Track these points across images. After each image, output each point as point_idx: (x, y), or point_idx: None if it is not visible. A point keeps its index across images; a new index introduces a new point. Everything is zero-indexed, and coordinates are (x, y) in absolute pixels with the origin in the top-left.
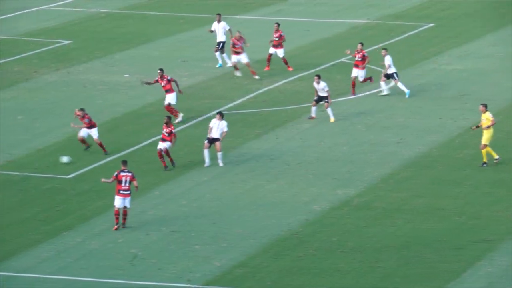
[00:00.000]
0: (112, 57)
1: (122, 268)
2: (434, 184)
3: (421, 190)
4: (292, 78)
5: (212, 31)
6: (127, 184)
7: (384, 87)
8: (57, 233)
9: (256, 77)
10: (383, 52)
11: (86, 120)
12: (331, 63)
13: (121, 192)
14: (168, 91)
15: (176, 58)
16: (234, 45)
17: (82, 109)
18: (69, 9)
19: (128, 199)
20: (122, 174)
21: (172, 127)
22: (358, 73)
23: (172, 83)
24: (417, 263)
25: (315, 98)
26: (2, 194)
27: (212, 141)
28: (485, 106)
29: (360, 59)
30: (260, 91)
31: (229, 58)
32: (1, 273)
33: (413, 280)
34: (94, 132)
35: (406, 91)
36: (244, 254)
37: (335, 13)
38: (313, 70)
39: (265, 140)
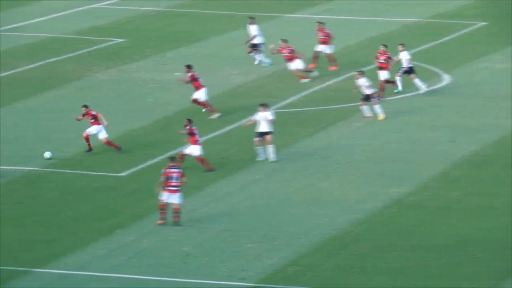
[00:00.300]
0: (163, 55)
1: (174, 266)
2: (486, 183)
3: (473, 189)
4: (343, 76)
5: (253, 38)
6: (177, 181)
7: (420, 84)
8: (110, 232)
9: (305, 80)
10: (400, 47)
11: (90, 118)
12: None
13: (170, 188)
14: None
15: (227, 57)
16: (281, 53)
17: (85, 106)
18: (121, 7)
19: (176, 195)
20: (171, 170)
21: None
22: (384, 76)
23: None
24: (468, 262)
25: (361, 97)
26: (55, 193)
27: (261, 135)
28: None
29: (383, 61)
30: (312, 89)
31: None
32: (55, 271)
33: (465, 279)
34: (103, 133)
35: (423, 87)
36: (296, 253)
37: (385, 12)
38: (363, 69)
39: (316, 138)
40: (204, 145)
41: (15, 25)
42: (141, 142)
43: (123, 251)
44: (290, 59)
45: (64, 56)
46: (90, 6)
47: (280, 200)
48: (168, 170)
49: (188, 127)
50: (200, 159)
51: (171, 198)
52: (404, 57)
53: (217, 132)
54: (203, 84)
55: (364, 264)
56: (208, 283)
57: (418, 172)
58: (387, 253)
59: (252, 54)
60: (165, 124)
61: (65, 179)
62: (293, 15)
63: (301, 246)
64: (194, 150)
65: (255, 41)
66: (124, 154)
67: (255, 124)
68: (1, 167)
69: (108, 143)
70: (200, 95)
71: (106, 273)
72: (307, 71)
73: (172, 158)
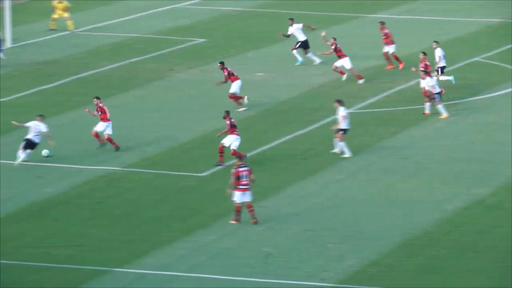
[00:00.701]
0: (245, 55)
1: (254, 266)
2: None
3: None
4: None
5: (288, 36)
6: (246, 179)
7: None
8: (191, 231)
9: (360, 81)
10: (434, 44)
11: (99, 112)
12: (465, 62)
13: (241, 187)
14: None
15: (307, 57)
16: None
17: (97, 97)
18: (203, 7)
19: (247, 193)
20: (240, 169)
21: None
22: (425, 83)
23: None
24: None
25: (430, 97)
26: (137, 192)
27: (344, 131)
28: None
29: (423, 69)
30: (393, 90)
31: (317, 57)
32: (135, 271)
33: None
34: (109, 129)
35: (451, 78)
36: (376, 253)
37: (468, 12)
38: (446, 70)
39: (398, 139)
40: (285, 144)
41: (99, 24)
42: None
43: (203, 251)
44: (340, 56)
45: (146, 56)
46: (173, 6)
47: (361, 200)
48: (237, 169)
49: (228, 120)
50: (236, 153)
51: (243, 197)
52: (438, 54)
53: (298, 132)
54: (238, 77)
55: (444, 264)
56: (287, 284)
57: (500, 172)
58: (468, 254)
59: (309, 55)
60: (247, 124)
61: (146, 179)
62: (375, 16)
63: (382, 246)
64: (231, 140)
65: (300, 39)
66: (205, 154)
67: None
68: (83, 166)
69: (110, 139)
70: (236, 88)
71: (187, 272)
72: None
73: (240, 157)
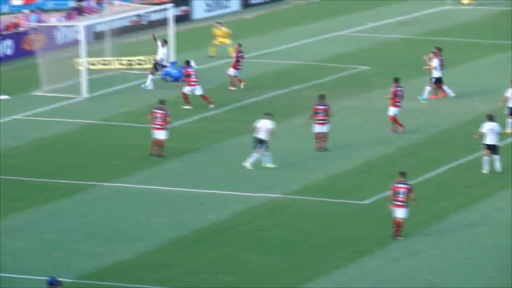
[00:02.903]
0: (410, 83)
1: None
2: None
3: None
4: None
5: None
6: (403, 196)
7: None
8: (354, 259)
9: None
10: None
11: (158, 118)
12: None
13: (396, 203)
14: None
15: (473, 85)
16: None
17: (161, 101)
18: (366, 35)
19: (403, 210)
20: (398, 185)
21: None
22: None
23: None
24: None
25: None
26: (299, 220)
27: (489, 147)
28: None
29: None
30: None
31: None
32: None
33: None
34: (163, 134)
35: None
36: None
37: None
38: None
39: None
40: (449, 172)
41: (264, 51)
42: (386, 169)
43: (366, 278)
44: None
45: (308, 84)
46: (337, 33)
47: None
48: (396, 185)
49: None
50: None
51: (398, 213)
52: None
53: (463, 160)
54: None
55: None
56: None
57: None
58: None
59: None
60: (412, 151)
61: (309, 206)
62: None
63: None
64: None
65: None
66: (368, 182)
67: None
68: (245, 193)
69: None
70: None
71: None
72: None
73: (402, 174)
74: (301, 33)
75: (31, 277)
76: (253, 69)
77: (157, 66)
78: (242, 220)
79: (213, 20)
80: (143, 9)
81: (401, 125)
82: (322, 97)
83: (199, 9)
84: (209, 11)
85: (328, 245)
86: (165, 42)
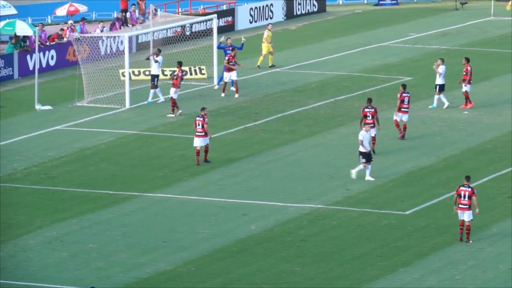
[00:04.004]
0: (451, 93)
1: None
2: None
3: None
4: None
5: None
6: (466, 199)
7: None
8: (394, 269)
9: None
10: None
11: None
12: None
13: (460, 206)
14: None
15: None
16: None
17: (202, 108)
18: (408, 45)
19: (467, 213)
20: (460, 188)
21: None
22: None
23: None
24: None
25: None
26: (341, 230)
27: None
28: None
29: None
30: None
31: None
32: None
33: None
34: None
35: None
36: None
37: None
38: None
39: None
40: (492, 183)
41: (306, 62)
42: (427, 180)
43: None
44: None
45: (352, 94)
46: (380, 44)
47: None
48: (458, 188)
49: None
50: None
51: (462, 215)
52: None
53: (505, 170)
54: None
55: None
56: None
57: None
58: None
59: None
60: (453, 162)
61: (350, 217)
62: None
63: None
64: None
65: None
66: (409, 192)
67: None
68: (287, 204)
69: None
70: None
71: None
72: None
73: (466, 178)
74: (344, 43)
75: (72, 287)
76: (297, 79)
77: (155, 79)
78: (283, 231)
79: (257, 31)
80: (187, 20)
81: (400, 131)
82: (370, 100)
83: (243, 20)
84: (253, 21)
85: (368, 256)
86: (159, 51)
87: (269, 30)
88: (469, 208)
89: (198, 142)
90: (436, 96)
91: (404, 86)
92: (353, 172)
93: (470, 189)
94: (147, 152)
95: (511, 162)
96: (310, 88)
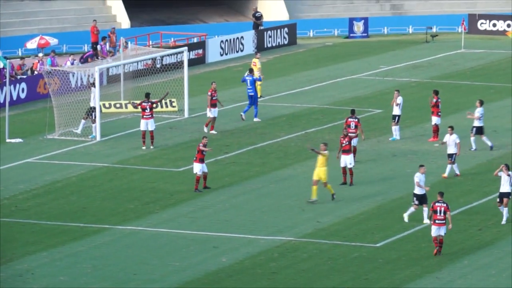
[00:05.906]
0: (422, 126)
1: None
2: None
3: None
4: None
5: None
6: (442, 214)
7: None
8: None
9: None
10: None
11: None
12: None
13: (436, 221)
14: None
15: (487, 128)
16: None
17: (204, 137)
18: (379, 78)
19: (442, 228)
20: (436, 204)
21: None
22: None
23: None
24: None
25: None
26: (310, 263)
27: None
28: None
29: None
30: None
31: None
32: None
33: None
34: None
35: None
36: None
37: None
38: None
39: None
40: None
41: (277, 94)
42: (398, 212)
43: None
44: None
45: (323, 126)
46: (352, 76)
47: None
48: (434, 204)
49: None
50: None
51: (439, 231)
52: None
53: None
54: None
55: None
56: None
57: None
58: None
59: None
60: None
61: (320, 249)
62: None
63: None
64: None
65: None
66: (380, 225)
67: None
68: (256, 236)
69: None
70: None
71: None
72: None
73: (440, 193)
74: (315, 76)
75: None
76: (268, 112)
77: (92, 111)
78: (254, 263)
79: (227, 63)
80: (158, 53)
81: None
82: (353, 111)
83: (213, 53)
84: (223, 54)
85: None
86: (92, 84)
87: (258, 58)
88: (445, 223)
89: (198, 168)
90: (393, 127)
91: (352, 111)
92: (405, 216)
93: (445, 205)
94: (118, 184)
95: (481, 195)
96: (281, 120)
